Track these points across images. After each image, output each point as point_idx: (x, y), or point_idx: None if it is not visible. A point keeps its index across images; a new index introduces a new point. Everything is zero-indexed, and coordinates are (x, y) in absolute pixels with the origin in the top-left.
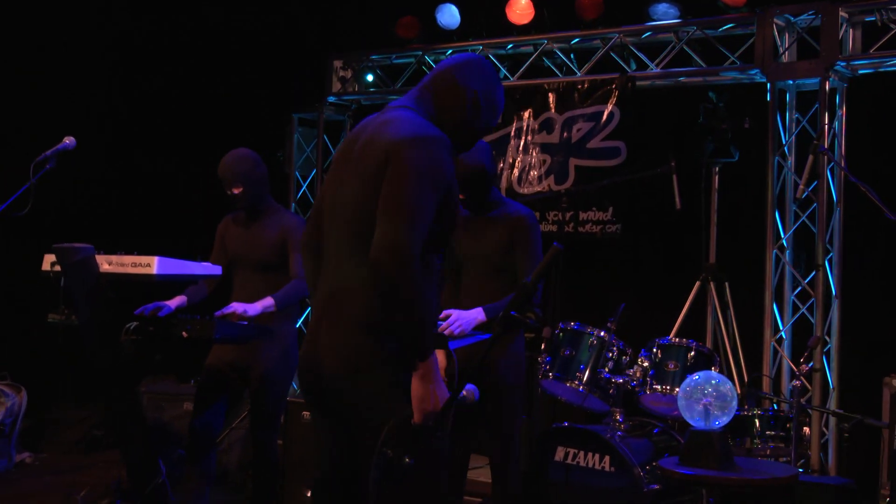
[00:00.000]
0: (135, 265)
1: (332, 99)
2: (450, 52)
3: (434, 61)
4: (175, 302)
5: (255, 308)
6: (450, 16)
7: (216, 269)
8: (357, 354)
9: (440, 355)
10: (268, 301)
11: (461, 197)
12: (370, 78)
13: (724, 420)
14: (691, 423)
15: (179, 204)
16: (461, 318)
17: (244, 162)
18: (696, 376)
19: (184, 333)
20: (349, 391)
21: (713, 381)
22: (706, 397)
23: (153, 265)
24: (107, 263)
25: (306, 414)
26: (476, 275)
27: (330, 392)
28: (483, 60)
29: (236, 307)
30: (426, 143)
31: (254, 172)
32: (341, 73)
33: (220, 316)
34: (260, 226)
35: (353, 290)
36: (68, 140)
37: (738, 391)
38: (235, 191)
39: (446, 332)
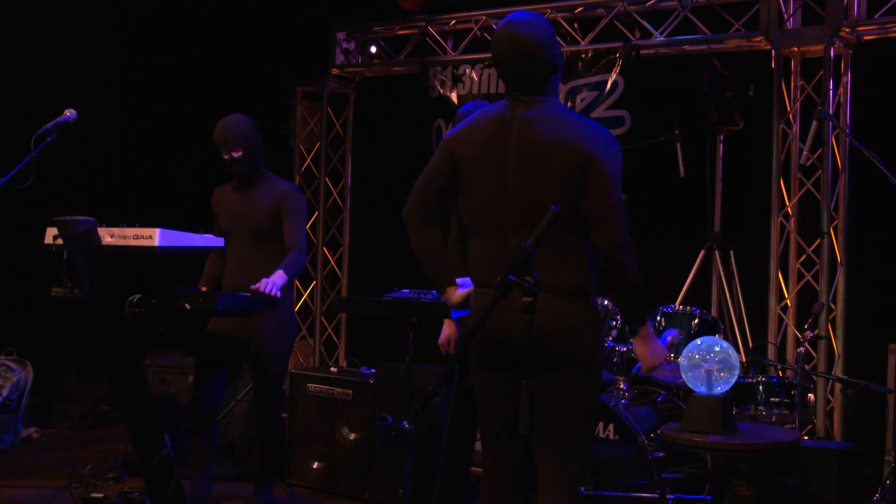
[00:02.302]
0: (137, 237)
1: (335, 71)
2: (453, 22)
3: (437, 32)
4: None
5: (278, 282)
6: None
7: (219, 241)
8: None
9: (448, 325)
10: (280, 275)
11: None
12: (374, 49)
13: (727, 385)
14: (693, 388)
15: (182, 176)
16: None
17: (243, 125)
18: (698, 342)
19: (186, 305)
20: (575, 348)
21: (716, 347)
22: (708, 363)
23: (155, 237)
24: (109, 236)
25: (311, 386)
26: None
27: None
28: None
29: (265, 283)
30: (613, 144)
31: (253, 136)
32: (344, 45)
33: (254, 290)
34: (253, 193)
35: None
36: (69, 113)
37: (743, 359)
38: (235, 154)
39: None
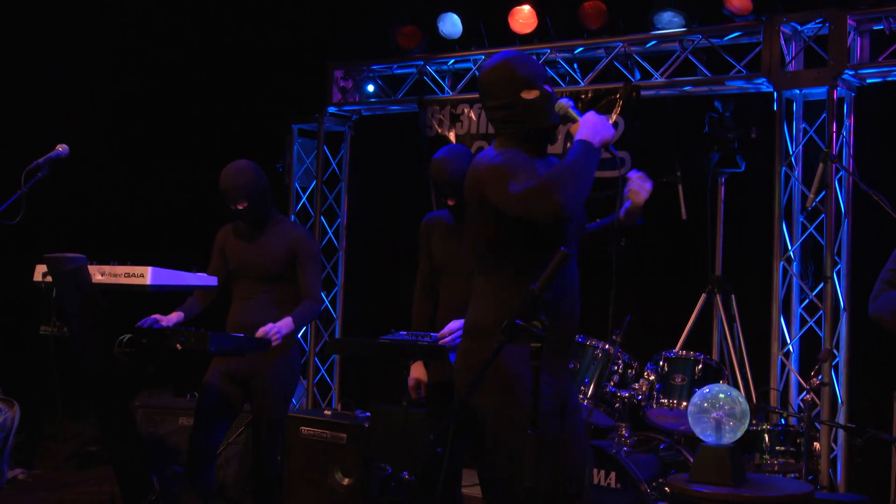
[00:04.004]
0: (128, 276)
1: (332, 109)
2: (451, 61)
3: (435, 71)
4: (171, 319)
5: (283, 330)
6: (451, 25)
7: (212, 280)
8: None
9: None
10: (287, 323)
11: (450, 203)
12: (371, 88)
13: (736, 435)
14: (702, 437)
15: (176, 214)
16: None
17: (245, 174)
18: (706, 389)
19: (178, 346)
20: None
21: (725, 395)
22: (717, 411)
23: (147, 276)
24: (99, 274)
25: (304, 429)
26: (454, 282)
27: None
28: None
29: (269, 329)
30: (490, 160)
31: (257, 185)
32: (342, 83)
33: (206, 332)
34: (265, 236)
35: None
36: (61, 148)
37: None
38: (240, 206)
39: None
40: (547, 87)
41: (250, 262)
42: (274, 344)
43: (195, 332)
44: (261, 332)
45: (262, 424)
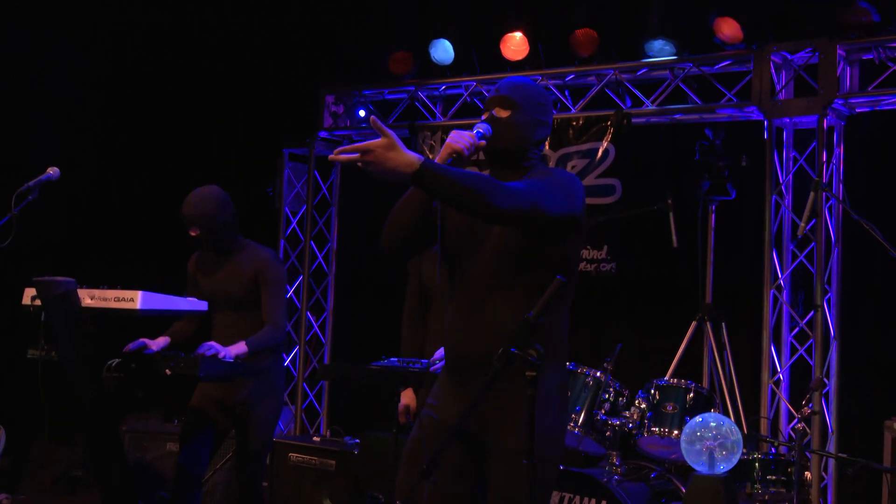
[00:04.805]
0: (118, 300)
1: (323, 134)
2: (443, 87)
3: (427, 97)
4: (159, 343)
5: (228, 354)
6: (443, 51)
7: (202, 305)
8: None
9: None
10: (241, 347)
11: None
12: (362, 113)
13: (729, 464)
14: (694, 466)
15: (166, 238)
16: None
17: (206, 203)
18: (699, 418)
19: (167, 371)
20: None
21: (717, 424)
22: (710, 440)
23: (137, 300)
24: (89, 298)
25: (293, 455)
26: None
27: None
28: None
29: (209, 347)
30: None
31: (215, 216)
32: (333, 108)
33: (185, 356)
34: (231, 263)
35: None
36: (52, 171)
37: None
38: (192, 233)
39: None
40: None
41: (218, 290)
42: (257, 364)
43: (185, 358)
44: (206, 346)
45: (247, 451)
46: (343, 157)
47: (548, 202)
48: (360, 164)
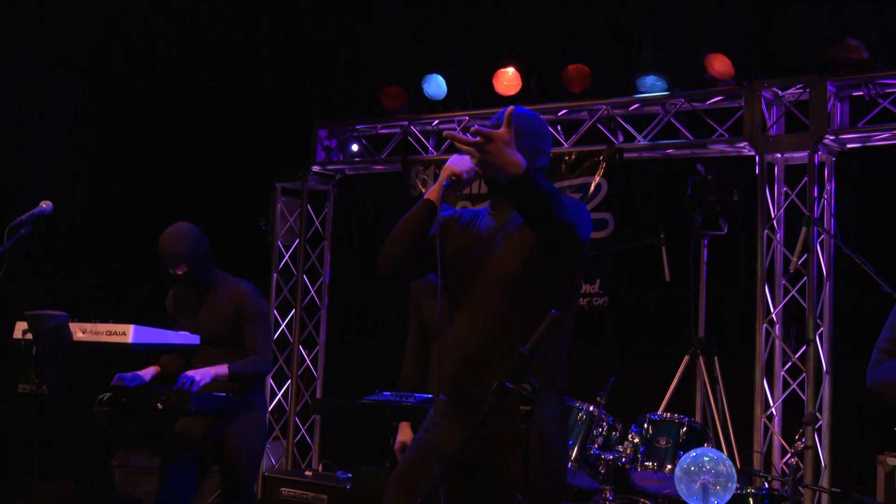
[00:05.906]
0: (110, 333)
1: (316, 168)
2: (436, 122)
3: (419, 131)
4: (148, 373)
5: (206, 376)
6: (436, 86)
7: (194, 339)
8: None
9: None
10: (222, 369)
11: None
12: (355, 147)
13: (723, 500)
14: (689, 501)
15: (159, 272)
16: None
17: (185, 239)
18: (693, 453)
19: (158, 405)
20: None
21: (712, 459)
22: (705, 475)
23: (129, 334)
24: (81, 332)
25: (285, 490)
26: None
27: None
28: None
29: (187, 378)
30: None
31: (196, 249)
32: (326, 143)
33: (176, 389)
34: (210, 298)
35: None
36: (45, 204)
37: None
38: (179, 271)
39: None
40: None
41: (200, 325)
42: (248, 398)
43: (177, 391)
44: (183, 377)
45: (231, 487)
46: (462, 136)
47: (580, 224)
48: (473, 148)
